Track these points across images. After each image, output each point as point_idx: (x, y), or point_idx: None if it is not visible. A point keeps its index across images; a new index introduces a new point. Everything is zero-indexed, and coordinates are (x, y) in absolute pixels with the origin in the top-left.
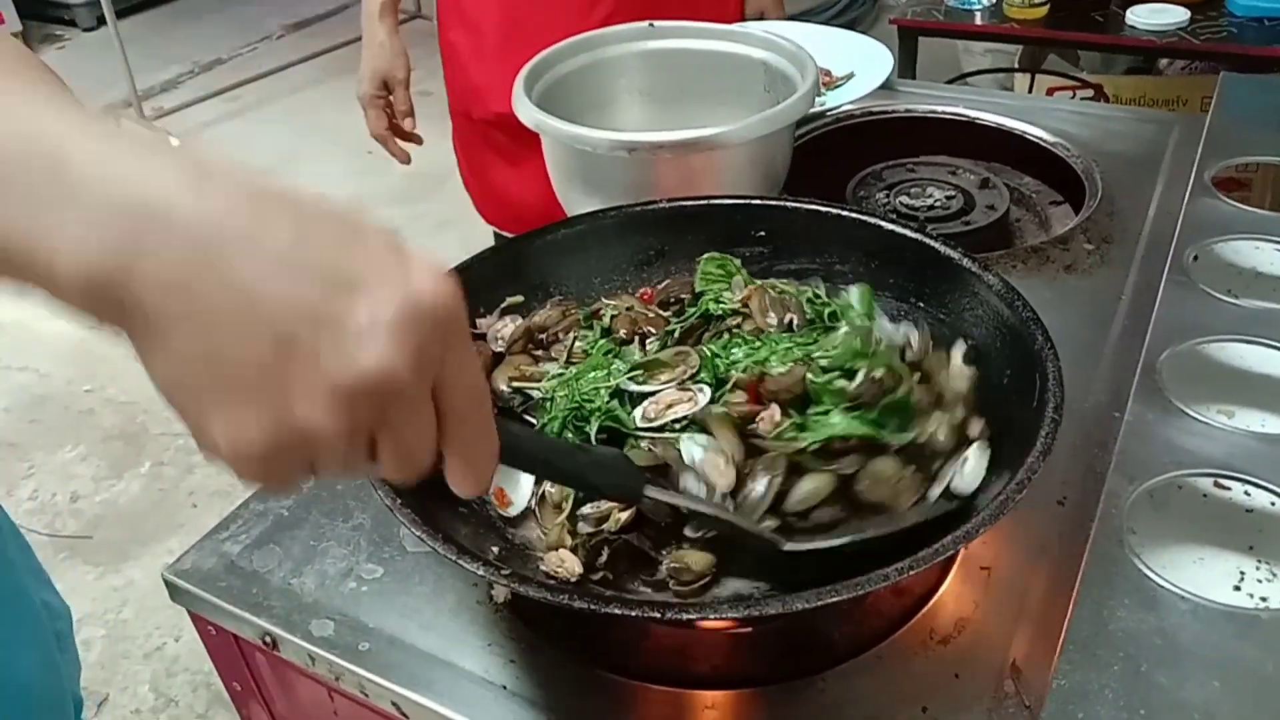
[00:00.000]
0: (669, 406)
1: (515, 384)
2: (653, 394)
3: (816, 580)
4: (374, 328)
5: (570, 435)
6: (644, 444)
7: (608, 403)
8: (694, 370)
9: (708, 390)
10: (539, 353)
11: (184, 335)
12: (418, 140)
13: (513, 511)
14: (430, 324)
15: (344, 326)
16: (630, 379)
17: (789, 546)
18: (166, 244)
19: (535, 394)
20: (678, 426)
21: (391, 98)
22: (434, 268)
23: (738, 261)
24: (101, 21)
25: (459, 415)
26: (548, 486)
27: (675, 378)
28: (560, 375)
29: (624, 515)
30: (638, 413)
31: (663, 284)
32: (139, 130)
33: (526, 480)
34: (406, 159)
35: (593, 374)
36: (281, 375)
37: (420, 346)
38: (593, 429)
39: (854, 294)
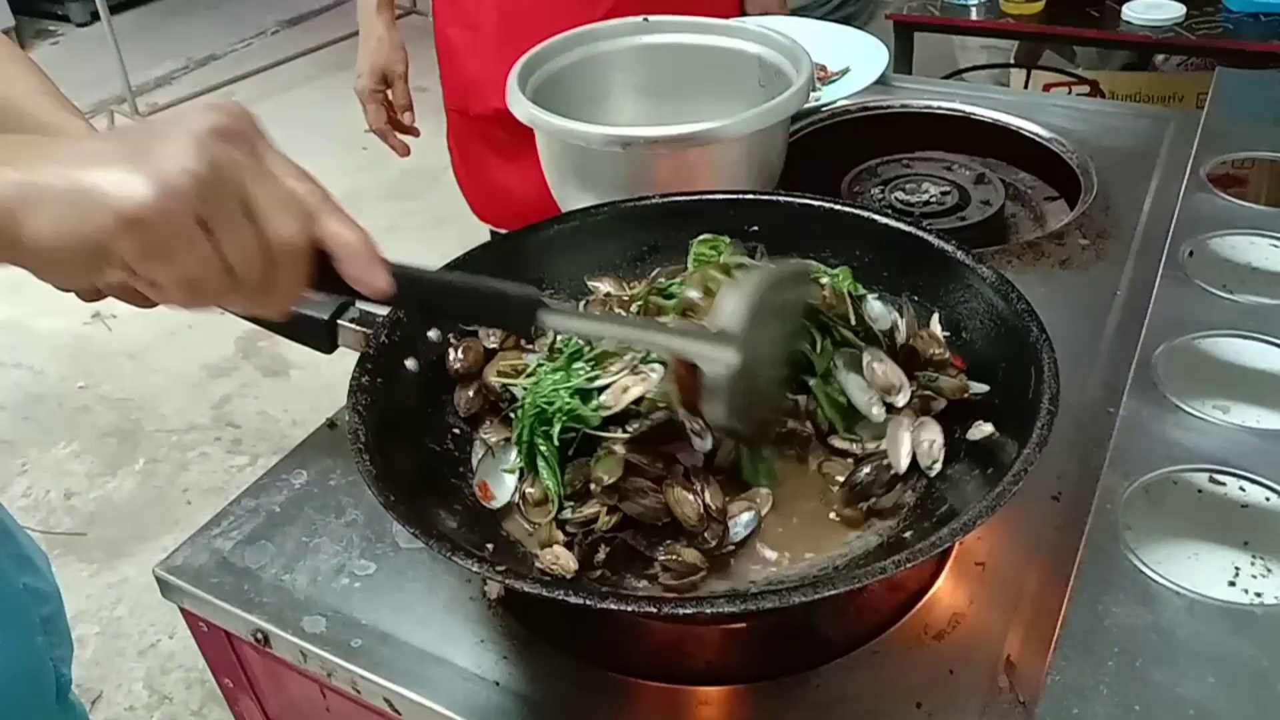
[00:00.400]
0: (625, 390)
1: (503, 380)
2: (609, 385)
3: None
4: (199, 111)
5: (539, 440)
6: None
7: (568, 401)
8: (643, 354)
9: (659, 368)
10: (530, 347)
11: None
12: (416, 133)
13: (496, 504)
14: (231, 111)
15: (182, 120)
16: (586, 379)
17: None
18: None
19: (519, 391)
20: (636, 408)
21: (390, 92)
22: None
23: (727, 239)
24: (95, 17)
25: (295, 193)
26: (527, 487)
27: (626, 365)
28: (533, 375)
29: (612, 518)
30: (595, 403)
31: (653, 273)
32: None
33: (509, 479)
34: (406, 152)
35: (552, 377)
36: (147, 151)
37: (229, 120)
38: (555, 430)
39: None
